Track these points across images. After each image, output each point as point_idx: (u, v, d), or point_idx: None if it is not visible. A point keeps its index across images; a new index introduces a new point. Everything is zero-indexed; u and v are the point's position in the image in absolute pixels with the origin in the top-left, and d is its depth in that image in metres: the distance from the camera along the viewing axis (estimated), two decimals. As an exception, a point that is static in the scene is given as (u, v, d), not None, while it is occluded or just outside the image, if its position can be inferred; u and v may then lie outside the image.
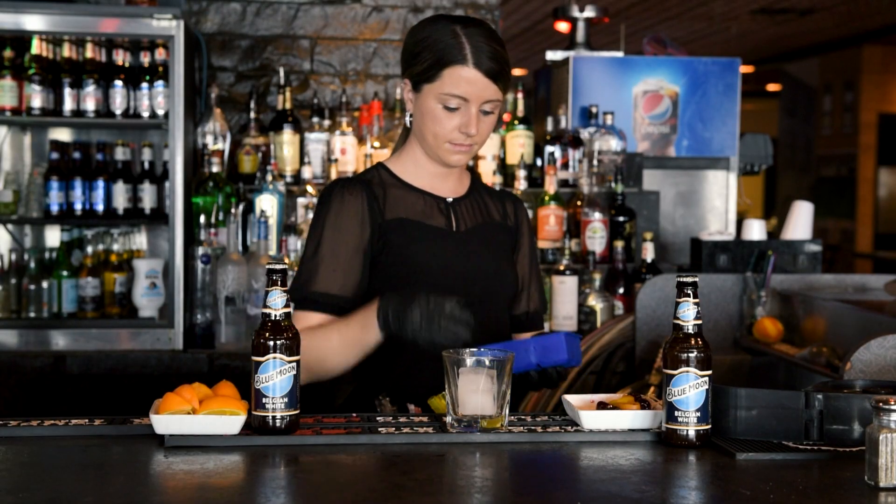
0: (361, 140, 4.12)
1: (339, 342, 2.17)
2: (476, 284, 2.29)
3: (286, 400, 1.88)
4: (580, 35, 4.69)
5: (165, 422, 1.87)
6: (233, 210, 3.86)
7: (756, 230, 3.80)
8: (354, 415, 2.09)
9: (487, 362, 1.92)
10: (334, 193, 2.28)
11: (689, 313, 1.88)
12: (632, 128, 4.37)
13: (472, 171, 2.48)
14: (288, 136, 4.08)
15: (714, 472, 1.75)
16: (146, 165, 3.98)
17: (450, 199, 2.36)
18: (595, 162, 4.04)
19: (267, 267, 1.91)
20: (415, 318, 2.05)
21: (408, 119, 2.34)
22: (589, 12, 4.68)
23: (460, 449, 1.87)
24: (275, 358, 1.87)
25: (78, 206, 3.94)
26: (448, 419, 1.93)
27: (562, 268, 3.81)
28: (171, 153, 3.82)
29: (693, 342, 1.87)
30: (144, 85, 3.89)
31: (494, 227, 2.40)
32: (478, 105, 2.23)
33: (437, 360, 2.01)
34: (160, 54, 3.90)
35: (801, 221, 3.84)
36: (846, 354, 2.72)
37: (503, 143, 4.17)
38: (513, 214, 2.45)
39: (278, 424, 1.88)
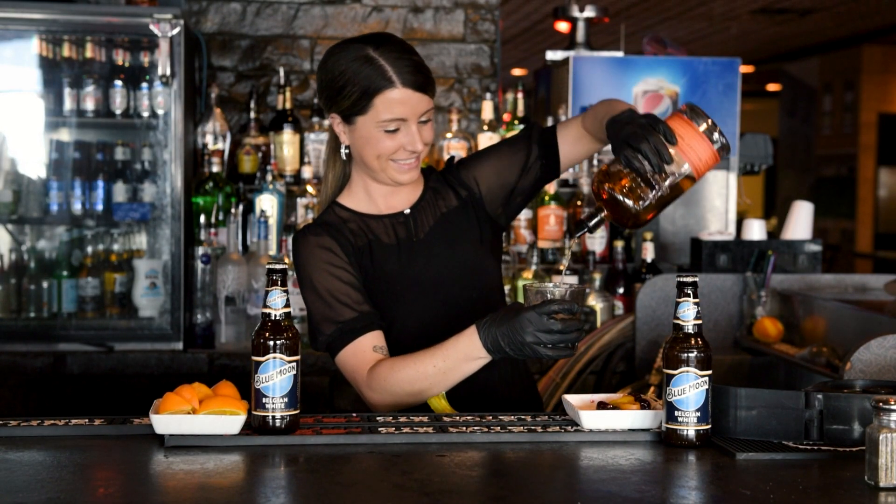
0: (361, 140, 4.11)
1: (436, 373, 2.12)
2: (453, 285, 2.29)
3: (286, 400, 1.88)
4: (580, 35, 4.69)
5: (165, 422, 1.87)
6: (233, 210, 3.86)
7: (756, 230, 3.80)
8: (354, 415, 2.10)
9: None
10: (300, 241, 2.29)
11: (689, 313, 1.88)
12: (632, 128, 4.36)
13: (421, 169, 2.45)
14: (288, 136, 4.08)
15: (714, 472, 1.76)
16: (146, 165, 3.98)
17: (407, 211, 2.35)
18: (595, 161, 4.04)
19: (267, 267, 1.91)
20: (530, 340, 2.01)
21: (343, 152, 2.34)
22: (589, 12, 4.68)
23: (460, 449, 1.87)
24: (275, 358, 1.87)
25: (78, 206, 3.94)
26: None
27: (562, 268, 3.81)
28: (170, 153, 3.82)
29: (693, 342, 1.87)
30: (144, 85, 3.88)
31: (453, 213, 2.36)
32: (415, 120, 2.23)
33: None
34: (160, 54, 3.89)
35: (801, 221, 3.84)
36: (846, 354, 2.72)
37: (503, 143, 4.17)
38: (460, 182, 2.39)
39: (278, 424, 1.88)
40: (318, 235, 2.28)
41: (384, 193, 2.35)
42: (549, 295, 2.03)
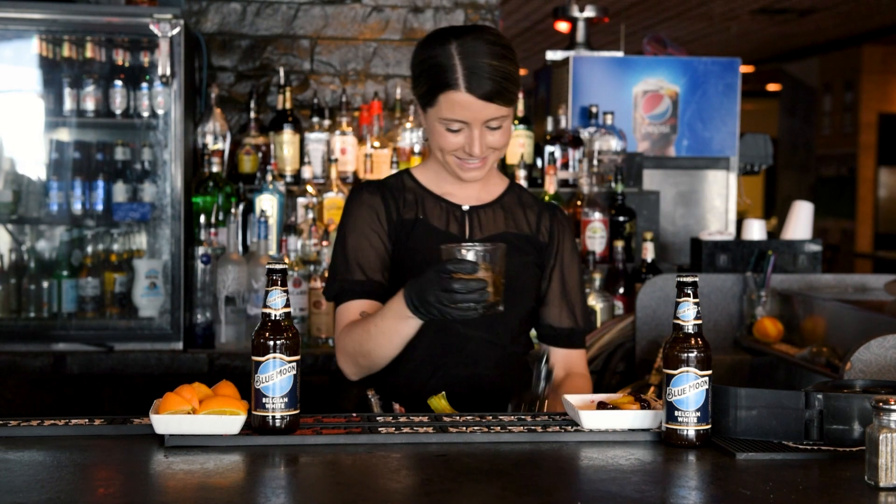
0: (361, 140, 4.12)
1: (378, 333, 2.17)
2: None
3: (286, 400, 1.88)
4: (580, 35, 4.69)
5: (165, 422, 1.87)
6: (233, 210, 3.86)
7: (756, 230, 3.80)
8: (354, 415, 2.10)
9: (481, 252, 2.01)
10: (354, 193, 2.34)
11: (689, 313, 1.88)
12: (632, 128, 4.37)
13: (513, 181, 2.46)
14: (288, 136, 4.08)
15: (714, 472, 1.76)
16: (146, 165, 3.98)
17: (466, 207, 2.35)
18: (595, 162, 4.04)
19: (267, 267, 1.91)
20: (432, 300, 2.02)
21: (421, 135, 2.37)
22: (589, 12, 4.68)
23: (460, 449, 1.87)
24: (275, 358, 1.87)
25: (78, 206, 3.94)
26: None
27: None
28: (170, 153, 3.82)
29: (693, 342, 1.87)
30: (144, 85, 3.88)
31: (518, 238, 2.35)
32: (479, 125, 2.21)
33: (423, 358, 2.23)
34: (160, 54, 3.89)
35: (801, 221, 3.84)
36: (846, 354, 2.72)
37: (503, 143, 4.17)
38: (547, 230, 2.40)
39: (278, 424, 1.88)
40: (372, 194, 2.33)
41: (451, 181, 2.35)
42: (457, 255, 2.01)
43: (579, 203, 4.04)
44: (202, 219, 3.86)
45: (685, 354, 1.86)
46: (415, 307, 2.07)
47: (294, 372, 1.89)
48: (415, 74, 2.27)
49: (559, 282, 2.40)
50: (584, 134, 4.13)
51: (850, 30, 10.81)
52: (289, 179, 4.07)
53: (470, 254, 2.01)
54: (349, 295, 2.27)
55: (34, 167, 4.05)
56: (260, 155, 4.09)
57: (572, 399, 2.05)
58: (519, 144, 4.14)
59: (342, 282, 2.28)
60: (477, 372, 2.29)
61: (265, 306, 1.90)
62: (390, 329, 2.15)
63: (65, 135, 4.11)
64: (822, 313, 3.25)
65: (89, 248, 4.02)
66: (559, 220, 2.43)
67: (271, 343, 1.88)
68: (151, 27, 3.77)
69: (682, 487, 1.70)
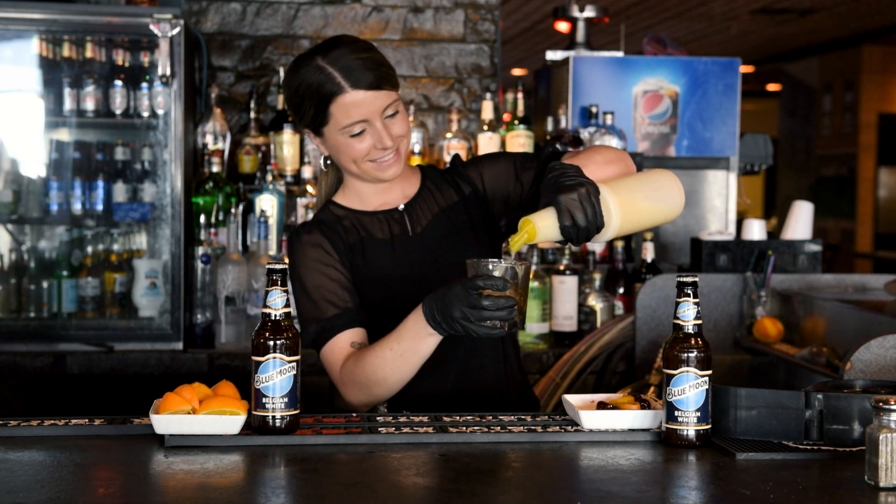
0: (361, 140, 4.12)
1: (394, 357, 2.10)
2: (448, 281, 2.27)
3: (286, 400, 1.88)
4: (580, 35, 4.69)
5: (165, 422, 1.87)
6: (233, 210, 3.86)
7: (756, 230, 3.80)
8: (354, 415, 2.10)
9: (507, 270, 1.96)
10: (293, 239, 2.30)
11: (689, 313, 1.88)
12: (632, 128, 4.37)
13: (421, 166, 2.47)
14: (288, 136, 4.08)
15: (714, 472, 1.76)
16: (146, 165, 3.98)
17: (401, 207, 2.34)
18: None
19: (267, 267, 1.91)
20: (458, 315, 1.97)
21: (322, 162, 2.35)
22: (589, 12, 4.68)
23: (460, 449, 1.87)
24: (275, 358, 1.88)
25: (78, 206, 3.94)
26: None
27: (562, 268, 3.81)
28: (170, 153, 3.82)
29: (693, 342, 1.87)
30: (144, 85, 3.88)
31: (452, 208, 2.35)
32: (378, 118, 2.20)
33: (432, 369, 2.17)
34: (160, 54, 3.89)
35: (801, 221, 3.84)
36: (846, 354, 2.72)
37: (503, 143, 4.17)
38: (463, 178, 2.38)
39: (278, 424, 1.88)
40: (310, 233, 2.29)
41: (377, 192, 2.34)
42: (483, 270, 1.98)
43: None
44: (202, 219, 3.86)
45: (685, 354, 1.87)
46: (436, 322, 2.01)
47: (294, 372, 1.89)
48: (295, 105, 2.25)
49: (507, 168, 2.35)
50: (584, 134, 4.13)
51: (849, 30, 10.81)
52: (289, 179, 4.07)
53: (496, 270, 1.97)
54: (329, 333, 2.21)
55: (34, 167, 4.05)
56: (260, 155, 4.09)
57: (572, 399, 2.05)
58: (519, 144, 4.15)
59: (317, 323, 2.22)
60: (467, 374, 2.29)
61: (265, 306, 1.90)
62: (410, 350, 2.09)
63: (65, 135, 4.11)
64: (822, 313, 3.25)
65: (89, 248, 4.01)
66: (460, 165, 2.41)
67: (271, 343, 1.88)
68: (151, 27, 3.77)
69: (682, 487, 1.71)
